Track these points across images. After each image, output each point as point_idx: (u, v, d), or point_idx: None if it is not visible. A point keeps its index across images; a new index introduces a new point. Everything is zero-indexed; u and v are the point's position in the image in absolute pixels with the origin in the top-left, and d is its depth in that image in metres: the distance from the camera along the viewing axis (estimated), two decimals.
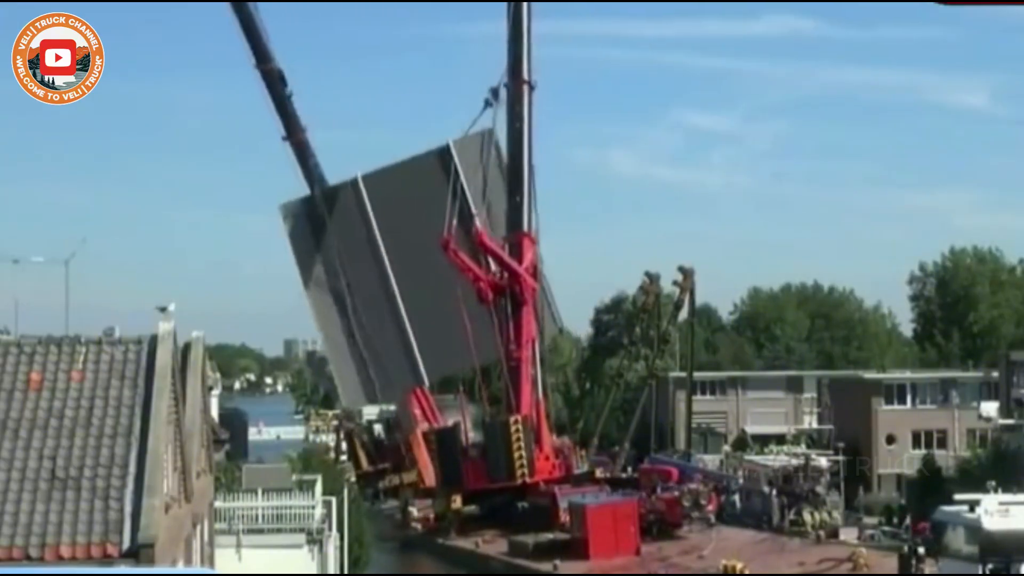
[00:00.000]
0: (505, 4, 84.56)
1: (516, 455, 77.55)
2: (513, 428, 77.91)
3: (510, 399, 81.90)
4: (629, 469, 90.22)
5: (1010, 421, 77.66)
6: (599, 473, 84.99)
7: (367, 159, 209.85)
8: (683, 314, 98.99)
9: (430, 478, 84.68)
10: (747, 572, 61.31)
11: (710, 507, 74.38)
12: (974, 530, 48.27)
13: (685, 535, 72.78)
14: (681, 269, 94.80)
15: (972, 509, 48.93)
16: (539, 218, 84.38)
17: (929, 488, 72.36)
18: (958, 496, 52.46)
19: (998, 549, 47.40)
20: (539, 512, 76.75)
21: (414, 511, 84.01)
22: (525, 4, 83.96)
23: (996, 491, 50.19)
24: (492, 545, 75.85)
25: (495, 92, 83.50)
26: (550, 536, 73.12)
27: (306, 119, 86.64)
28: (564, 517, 73.90)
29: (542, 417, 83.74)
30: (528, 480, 78.15)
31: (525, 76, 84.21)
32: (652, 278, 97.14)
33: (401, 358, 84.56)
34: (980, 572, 47.42)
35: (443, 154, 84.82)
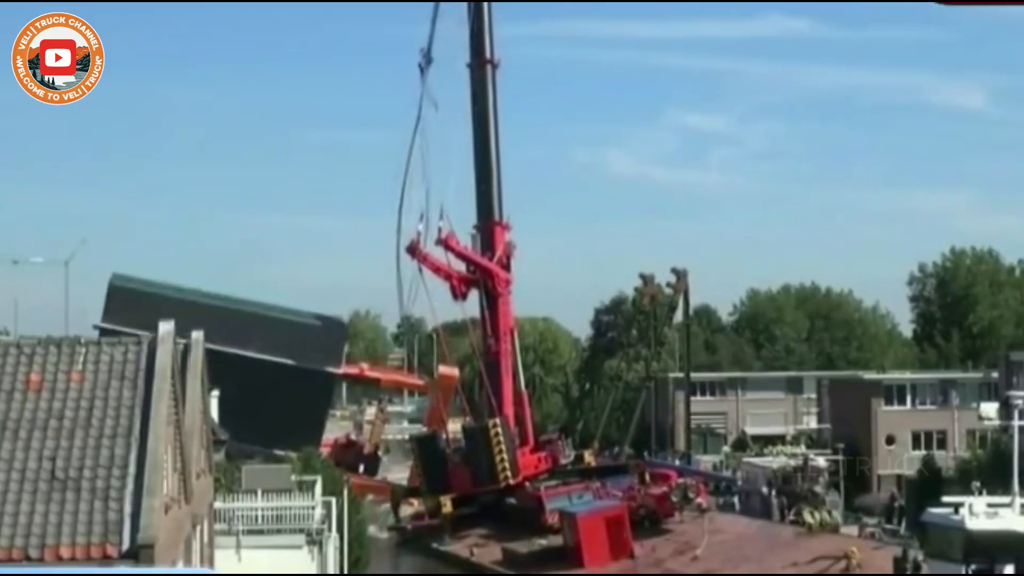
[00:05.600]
0: None
1: (498, 459, 76.87)
2: (492, 432, 77.18)
3: (490, 396, 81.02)
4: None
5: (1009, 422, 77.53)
6: (588, 456, 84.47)
7: (366, 158, 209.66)
8: (678, 315, 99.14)
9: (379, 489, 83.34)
10: None
11: (700, 499, 74.54)
12: (958, 531, 48.36)
13: (677, 526, 72.83)
14: (674, 271, 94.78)
15: (957, 511, 49.04)
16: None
17: (929, 489, 72.27)
18: (945, 499, 52.53)
19: (982, 550, 47.46)
20: (526, 513, 76.63)
21: (406, 509, 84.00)
22: None
23: (981, 493, 50.17)
24: (485, 551, 75.75)
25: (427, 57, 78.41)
26: (543, 543, 73.13)
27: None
28: (551, 519, 73.94)
29: (525, 409, 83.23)
30: (512, 482, 77.66)
31: (488, 54, 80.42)
32: (646, 279, 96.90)
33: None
34: (964, 573, 47.46)
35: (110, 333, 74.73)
